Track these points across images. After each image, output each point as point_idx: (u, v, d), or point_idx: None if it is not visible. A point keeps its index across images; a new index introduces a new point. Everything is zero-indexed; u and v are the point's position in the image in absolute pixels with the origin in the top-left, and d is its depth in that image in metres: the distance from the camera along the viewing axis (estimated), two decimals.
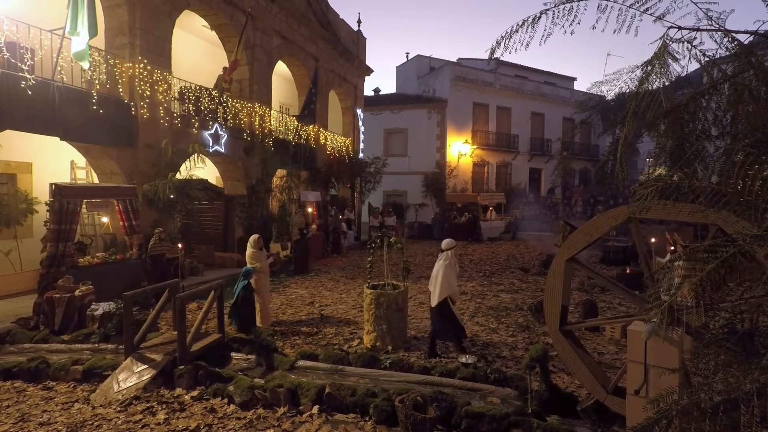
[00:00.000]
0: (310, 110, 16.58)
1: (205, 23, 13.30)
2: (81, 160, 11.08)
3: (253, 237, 7.92)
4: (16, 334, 6.75)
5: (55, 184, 7.97)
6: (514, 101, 27.91)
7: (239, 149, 13.58)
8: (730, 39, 2.33)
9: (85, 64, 8.70)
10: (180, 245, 9.59)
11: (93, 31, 8.34)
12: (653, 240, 9.65)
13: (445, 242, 6.76)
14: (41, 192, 10.47)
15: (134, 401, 4.88)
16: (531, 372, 4.68)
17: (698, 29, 2.35)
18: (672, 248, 9.39)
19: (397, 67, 32.42)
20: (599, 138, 28.44)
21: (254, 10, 13.35)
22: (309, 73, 17.16)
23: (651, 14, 2.36)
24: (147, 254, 9.43)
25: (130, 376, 5.25)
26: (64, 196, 7.81)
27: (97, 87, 9.38)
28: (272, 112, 15.31)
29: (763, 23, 2.27)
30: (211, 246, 13.17)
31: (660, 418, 1.90)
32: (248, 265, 7.58)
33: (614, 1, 2.37)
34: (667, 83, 2.38)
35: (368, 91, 26.89)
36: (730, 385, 1.81)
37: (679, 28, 2.35)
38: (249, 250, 7.77)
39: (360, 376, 5.50)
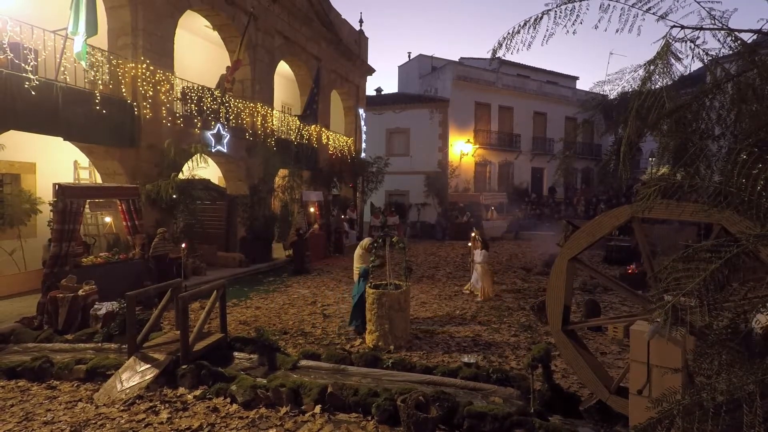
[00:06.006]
0: (312, 110, 16.60)
1: (208, 23, 13.33)
2: (84, 160, 11.11)
3: (366, 240, 8.31)
4: (19, 334, 6.79)
5: (59, 184, 8.00)
6: (516, 100, 27.85)
7: (241, 149, 13.61)
8: (733, 38, 2.32)
9: (84, 64, 8.72)
10: (183, 245, 9.62)
11: (92, 30, 8.36)
12: (473, 234, 10.20)
13: None
14: (45, 192, 10.52)
15: (137, 400, 4.90)
16: (533, 372, 4.67)
17: (701, 28, 2.34)
18: (479, 248, 9.74)
19: (399, 67, 32.42)
20: (602, 137, 28.31)
21: (256, 10, 13.37)
22: (311, 72, 17.17)
23: (654, 13, 2.35)
24: (150, 254, 9.46)
25: (133, 376, 5.27)
26: (68, 196, 7.84)
27: (100, 87, 9.41)
28: (274, 111, 15.33)
29: (767, 22, 2.26)
30: (214, 246, 13.21)
31: (662, 418, 1.89)
32: (362, 265, 7.72)
33: (617, 1, 2.36)
34: (669, 82, 2.37)
35: (370, 91, 26.85)
36: (732, 385, 1.80)
37: (682, 27, 2.34)
38: (358, 251, 8.05)
39: (362, 376, 5.50)
